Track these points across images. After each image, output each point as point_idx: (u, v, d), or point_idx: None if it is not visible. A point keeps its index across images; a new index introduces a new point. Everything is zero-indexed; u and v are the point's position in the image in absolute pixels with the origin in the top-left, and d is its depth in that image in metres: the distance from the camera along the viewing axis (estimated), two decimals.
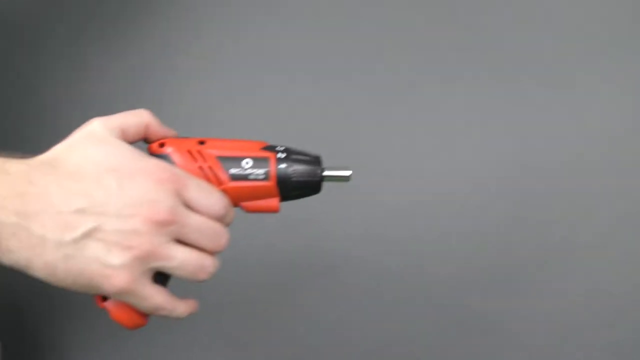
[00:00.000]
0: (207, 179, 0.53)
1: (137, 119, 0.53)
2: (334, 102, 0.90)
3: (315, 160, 0.56)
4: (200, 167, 0.53)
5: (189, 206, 0.49)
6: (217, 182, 0.53)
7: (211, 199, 0.50)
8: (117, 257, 0.46)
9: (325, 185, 0.57)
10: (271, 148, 0.55)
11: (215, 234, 0.50)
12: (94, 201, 0.46)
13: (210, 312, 0.93)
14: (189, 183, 0.49)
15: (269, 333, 0.93)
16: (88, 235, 0.45)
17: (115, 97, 0.92)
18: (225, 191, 0.53)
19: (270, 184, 0.54)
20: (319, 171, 0.55)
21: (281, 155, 0.55)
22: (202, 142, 0.54)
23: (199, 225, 0.49)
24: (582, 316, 0.88)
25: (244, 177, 0.53)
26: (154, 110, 0.89)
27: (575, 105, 0.88)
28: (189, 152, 0.53)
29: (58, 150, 0.49)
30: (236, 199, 0.54)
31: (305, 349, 0.92)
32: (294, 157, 0.55)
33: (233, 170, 0.53)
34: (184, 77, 0.92)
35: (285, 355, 0.92)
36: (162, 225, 0.47)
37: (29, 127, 0.90)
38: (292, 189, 0.55)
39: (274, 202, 0.55)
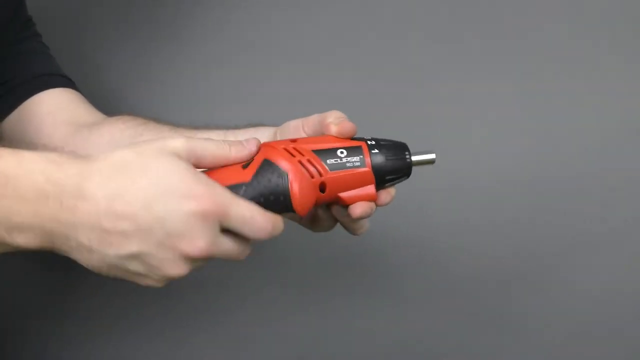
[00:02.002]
0: (308, 172, 0.54)
1: (222, 153, 0.54)
2: (344, 94, 0.88)
3: (403, 146, 0.58)
4: (300, 162, 0.54)
5: (229, 230, 0.51)
6: (318, 174, 0.54)
7: (253, 228, 0.51)
8: (153, 280, 0.51)
9: None
10: (359, 138, 0.57)
11: (240, 254, 0.53)
12: (139, 227, 0.49)
13: (211, 311, 0.93)
14: (232, 213, 0.50)
15: (274, 331, 0.92)
16: (130, 256, 0.49)
17: (117, 92, 0.91)
18: (326, 182, 0.55)
19: (367, 170, 0.56)
20: (408, 155, 0.58)
21: (371, 142, 0.56)
22: (293, 141, 0.55)
23: (227, 250, 0.52)
24: (600, 312, 0.88)
25: (342, 166, 0.55)
26: (157, 105, 0.90)
27: (594, 100, 0.87)
28: (286, 149, 0.54)
29: (124, 159, 0.50)
30: (335, 190, 0.55)
31: (316, 346, 0.92)
32: (383, 143, 0.57)
33: (330, 161, 0.55)
34: (188, 73, 0.91)
35: (296, 353, 0.92)
36: (195, 259, 0.50)
37: None
38: (386, 173, 0.57)
39: (371, 189, 0.56)
